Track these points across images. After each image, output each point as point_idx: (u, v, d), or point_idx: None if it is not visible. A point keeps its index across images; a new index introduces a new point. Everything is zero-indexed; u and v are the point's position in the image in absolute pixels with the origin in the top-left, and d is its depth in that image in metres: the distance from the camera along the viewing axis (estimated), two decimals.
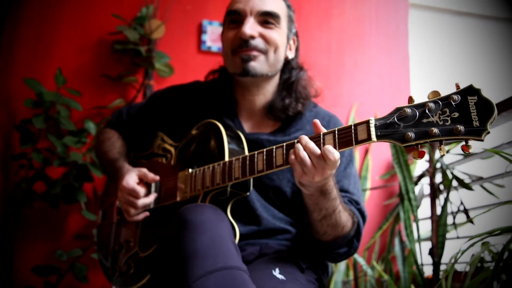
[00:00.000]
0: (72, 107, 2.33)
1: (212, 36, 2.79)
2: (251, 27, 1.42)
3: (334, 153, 1.08)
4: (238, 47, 1.45)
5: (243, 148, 1.42)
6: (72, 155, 2.28)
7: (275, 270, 1.28)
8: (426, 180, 2.40)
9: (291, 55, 1.56)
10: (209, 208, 1.13)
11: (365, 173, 2.71)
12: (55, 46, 2.61)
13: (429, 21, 3.47)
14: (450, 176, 2.21)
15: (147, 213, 1.49)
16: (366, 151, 2.79)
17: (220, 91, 1.58)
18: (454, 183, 2.19)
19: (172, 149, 1.57)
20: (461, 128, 0.92)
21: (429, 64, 3.38)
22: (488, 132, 0.90)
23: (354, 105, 2.88)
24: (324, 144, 1.11)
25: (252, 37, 1.43)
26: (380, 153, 2.81)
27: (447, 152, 2.32)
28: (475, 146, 2.17)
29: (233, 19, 1.48)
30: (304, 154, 1.10)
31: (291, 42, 1.56)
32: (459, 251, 1.43)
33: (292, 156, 1.13)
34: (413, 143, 0.98)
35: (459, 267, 1.86)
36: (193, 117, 1.56)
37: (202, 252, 1.02)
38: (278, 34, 1.47)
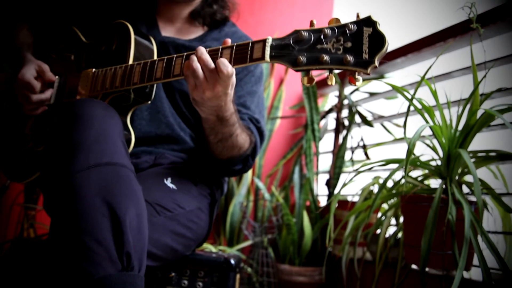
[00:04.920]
0: None
1: None
2: None
3: (228, 67, 1.06)
4: None
5: (151, 55, 1.37)
6: None
7: (167, 179, 1.28)
8: (334, 116, 2.46)
9: None
10: (100, 104, 1.08)
11: (278, 103, 2.72)
12: None
13: None
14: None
15: (45, 107, 1.42)
16: (281, 82, 2.80)
17: None
18: (359, 120, 2.26)
19: (83, 47, 1.49)
20: (350, 58, 0.90)
21: (353, 2, 3.38)
22: (376, 67, 0.89)
23: (274, 34, 2.85)
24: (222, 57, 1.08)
25: None
26: (294, 84, 2.83)
27: (357, 90, 2.37)
28: (383, 85, 2.22)
29: None
30: (197, 66, 1.07)
31: None
32: (348, 180, 1.49)
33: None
34: (304, 68, 0.96)
35: (355, 199, 1.96)
36: (110, 15, 1.49)
37: (87, 145, 0.98)
38: None
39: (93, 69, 1.36)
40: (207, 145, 1.34)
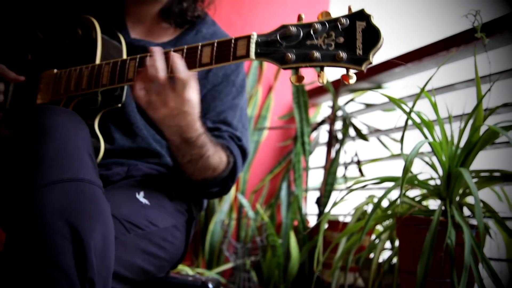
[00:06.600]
0: None
1: None
2: None
3: (181, 72, 1.08)
4: None
5: (120, 54, 1.36)
6: None
7: (139, 193, 1.27)
8: (326, 128, 2.46)
9: None
10: (65, 113, 1.06)
11: (266, 113, 2.72)
12: None
13: None
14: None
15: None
16: (270, 90, 2.80)
17: None
18: (353, 133, 2.27)
19: (40, 44, 1.47)
20: (343, 55, 0.91)
21: (350, 4, 3.40)
22: (370, 63, 0.90)
23: None
24: (201, 56, 1.08)
25: None
26: (284, 92, 2.83)
27: (352, 100, 2.38)
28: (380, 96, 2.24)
29: None
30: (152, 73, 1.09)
31: None
32: (339, 199, 1.49)
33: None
34: (293, 65, 0.96)
35: (347, 220, 1.96)
36: (73, 14, 1.46)
37: (49, 158, 0.96)
38: None
39: (55, 70, 1.35)
40: (177, 164, 1.33)
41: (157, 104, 1.10)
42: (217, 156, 1.30)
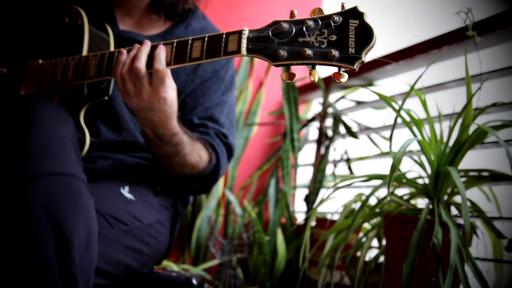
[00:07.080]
0: None
1: None
2: None
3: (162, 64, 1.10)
4: None
5: (108, 46, 1.35)
6: None
7: (123, 188, 1.27)
8: (316, 125, 2.47)
9: None
10: (52, 105, 1.06)
11: (256, 108, 2.72)
12: None
13: None
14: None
15: None
16: (260, 85, 2.80)
17: None
18: (343, 130, 2.27)
19: (25, 33, 1.47)
20: (335, 53, 0.91)
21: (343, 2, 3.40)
22: (363, 62, 0.90)
23: None
24: (191, 51, 1.09)
25: None
26: (274, 88, 2.83)
27: (343, 97, 2.39)
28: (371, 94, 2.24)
29: None
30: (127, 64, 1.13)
31: None
32: (326, 196, 1.50)
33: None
34: (285, 62, 0.96)
35: (335, 217, 1.97)
36: (60, 4, 1.46)
37: (35, 151, 0.96)
38: None
39: (40, 60, 1.34)
40: (154, 156, 1.34)
41: (131, 93, 1.13)
42: (195, 155, 1.31)
